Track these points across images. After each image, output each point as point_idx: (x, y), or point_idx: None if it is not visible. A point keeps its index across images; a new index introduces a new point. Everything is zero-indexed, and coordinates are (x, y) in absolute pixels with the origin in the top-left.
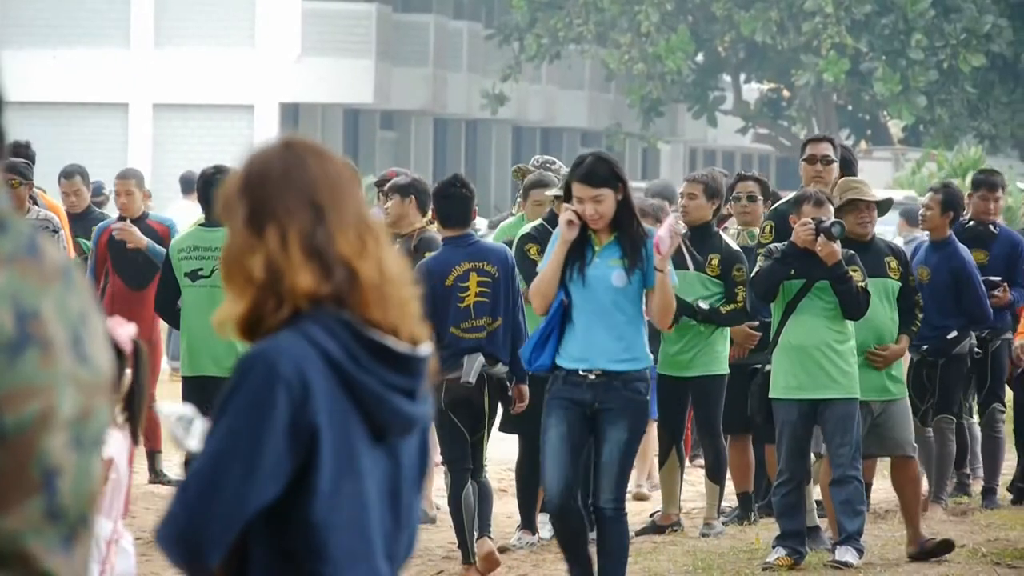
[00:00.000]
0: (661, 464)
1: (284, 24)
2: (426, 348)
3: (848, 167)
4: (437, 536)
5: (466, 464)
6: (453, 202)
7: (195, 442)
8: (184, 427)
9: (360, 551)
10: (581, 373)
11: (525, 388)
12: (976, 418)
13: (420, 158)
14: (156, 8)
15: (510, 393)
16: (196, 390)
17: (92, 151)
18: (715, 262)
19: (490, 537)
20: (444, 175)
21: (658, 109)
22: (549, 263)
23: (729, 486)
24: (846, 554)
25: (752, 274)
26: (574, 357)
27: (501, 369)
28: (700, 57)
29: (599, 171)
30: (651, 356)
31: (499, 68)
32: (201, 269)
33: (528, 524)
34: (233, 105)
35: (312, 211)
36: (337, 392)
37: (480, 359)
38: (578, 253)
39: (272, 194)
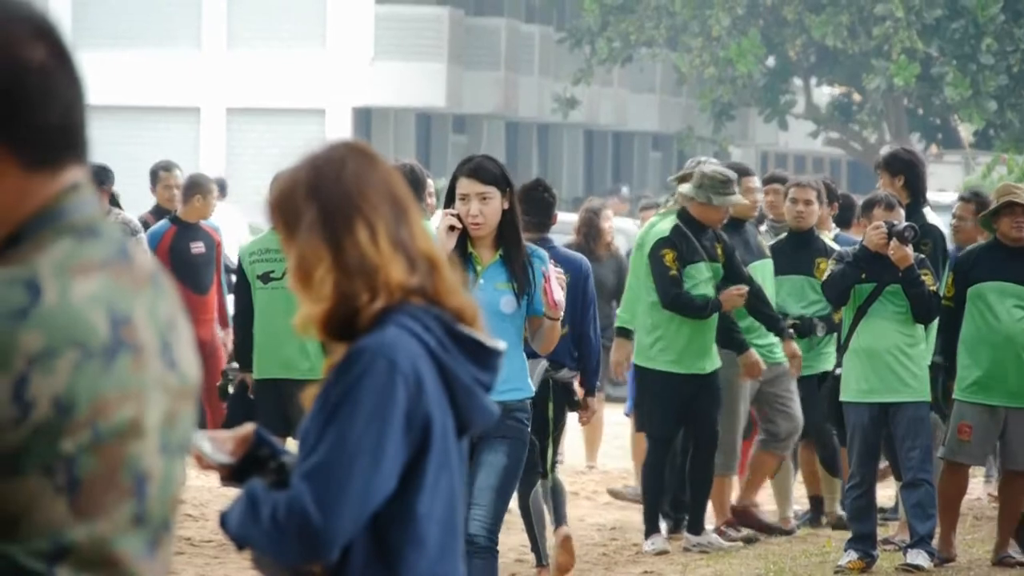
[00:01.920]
0: (775, 471)
1: (356, 28)
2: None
3: (912, 169)
4: (509, 539)
5: (536, 468)
6: (535, 206)
7: (222, 456)
8: (202, 442)
9: (449, 546)
10: None
11: (594, 401)
12: None
13: None
14: (228, 9)
15: (576, 398)
16: (266, 392)
17: (164, 155)
18: (824, 266)
19: (566, 525)
20: (516, 179)
21: (729, 113)
22: None
23: (800, 490)
24: (918, 557)
25: (824, 278)
26: None
27: (566, 374)
28: (771, 61)
29: (489, 167)
30: (532, 386)
31: (570, 72)
32: (273, 272)
33: (653, 527)
34: (305, 109)
35: (392, 206)
36: (438, 385)
37: (543, 364)
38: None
39: (352, 192)
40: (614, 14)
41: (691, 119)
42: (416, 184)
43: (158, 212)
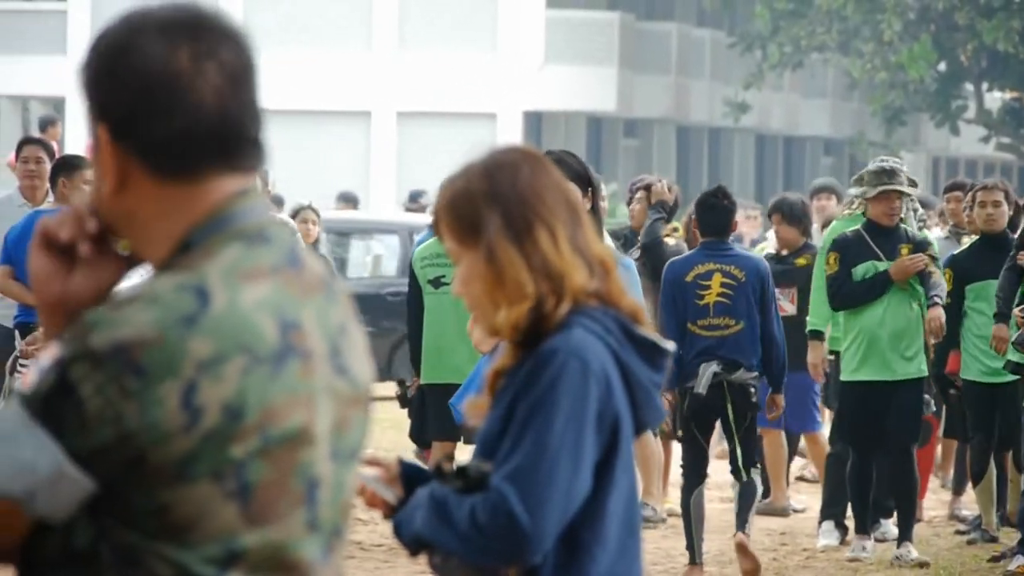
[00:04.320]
0: (979, 478)
1: (527, 31)
2: (671, 344)
3: None
4: (680, 543)
5: (700, 471)
6: (715, 213)
7: (390, 494)
8: (373, 480)
9: (629, 545)
10: None
11: (780, 398)
12: None
13: (663, 166)
14: (400, 11)
15: (753, 399)
16: (436, 397)
17: (335, 160)
18: None
19: (745, 533)
20: (687, 183)
21: (901, 118)
22: None
23: (970, 494)
24: None
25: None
26: None
27: (744, 375)
28: (942, 66)
29: (569, 162)
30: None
31: (742, 76)
32: (443, 276)
33: (863, 528)
34: (476, 113)
35: (567, 211)
36: (621, 385)
37: (712, 368)
38: None
39: (530, 197)
40: (785, 19)
41: (862, 124)
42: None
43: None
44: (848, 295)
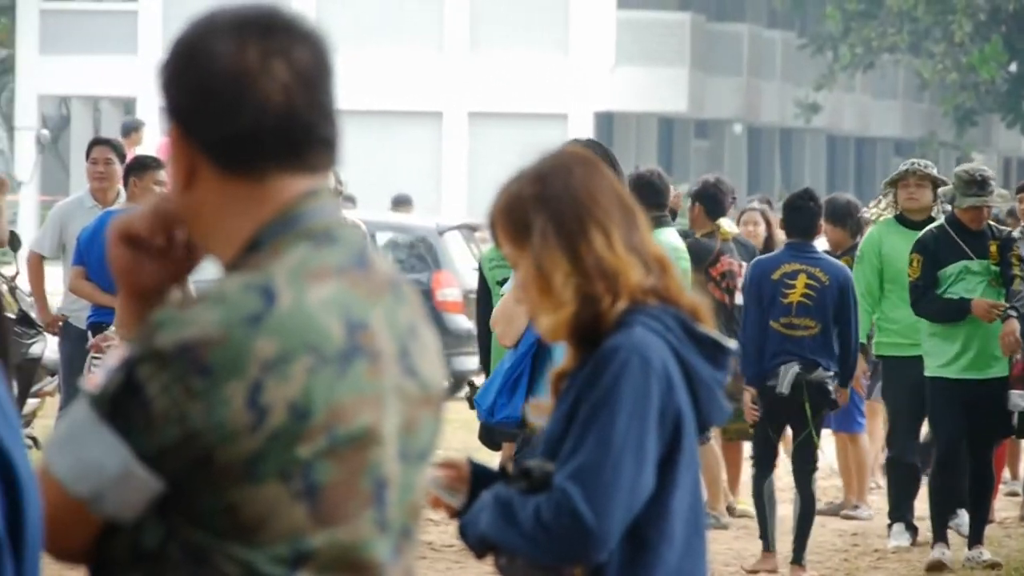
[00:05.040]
0: None
1: (598, 33)
2: (733, 342)
3: None
4: (752, 545)
5: (770, 464)
6: (801, 214)
7: (453, 498)
8: (435, 484)
9: (694, 544)
10: None
11: (846, 392)
12: None
13: (734, 167)
14: (471, 12)
15: (833, 396)
16: None
17: (406, 160)
18: None
19: (802, 565)
20: (758, 184)
21: (972, 119)
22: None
23: None
24: None
25: None
26: None
27: (821, 374)
28: (1013, 66)
29: (591, 147)
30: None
31: (813, 77)
32: (510, 278)
33: (940, 536)
34: (547, 114)
35: (622, 212)
36: (682, 383)
37: (794, 369)
38: None
39: (583, 198)
40: (856, 20)
41: (933, 125)
42: (660, 191)
43: None
44: (928, 307)
